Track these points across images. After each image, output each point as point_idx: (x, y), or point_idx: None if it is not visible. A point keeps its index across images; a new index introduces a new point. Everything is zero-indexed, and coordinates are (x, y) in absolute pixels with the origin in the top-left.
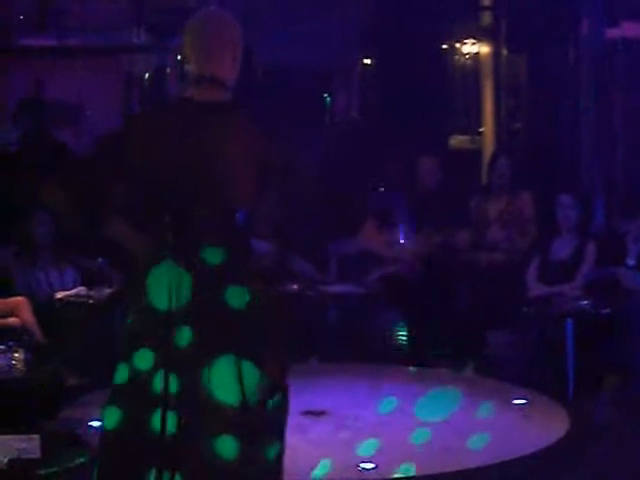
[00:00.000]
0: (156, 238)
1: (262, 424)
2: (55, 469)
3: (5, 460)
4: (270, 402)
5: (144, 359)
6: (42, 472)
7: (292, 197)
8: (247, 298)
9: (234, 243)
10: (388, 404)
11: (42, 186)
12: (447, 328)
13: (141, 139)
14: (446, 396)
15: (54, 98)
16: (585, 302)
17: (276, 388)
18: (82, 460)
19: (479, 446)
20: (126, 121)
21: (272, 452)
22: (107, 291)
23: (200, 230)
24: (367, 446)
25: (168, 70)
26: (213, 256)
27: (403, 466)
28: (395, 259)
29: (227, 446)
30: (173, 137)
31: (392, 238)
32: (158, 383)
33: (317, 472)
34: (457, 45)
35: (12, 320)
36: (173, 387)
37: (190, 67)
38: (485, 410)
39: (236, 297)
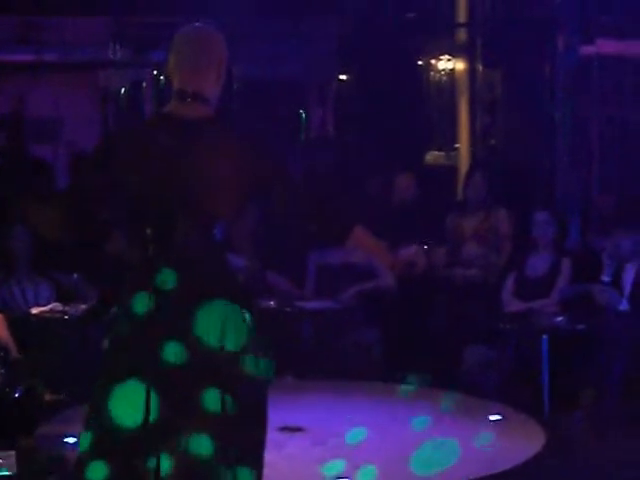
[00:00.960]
0: (138, 251)
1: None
2: None
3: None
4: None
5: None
6: None
7: (282, 204)
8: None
9: (213, 257)
10: (364, 421)
11: (22, 202)
12: (423, 344)
13: (122, 155)
14: (421, 412)
15: (32, 113)
16: (560, 318)
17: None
18: (58, 477)
19: (454, 462)
20: (105, 138)
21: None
22: (82, 307)
23: (181, 243)
24: (343, 462)
25: (144, 85)
26: (192, 272)
27: None
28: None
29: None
30: (155, 152)
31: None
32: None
33: None
34: (433, 61)
35: None
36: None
37: (174, 82)
38: (462, 428)
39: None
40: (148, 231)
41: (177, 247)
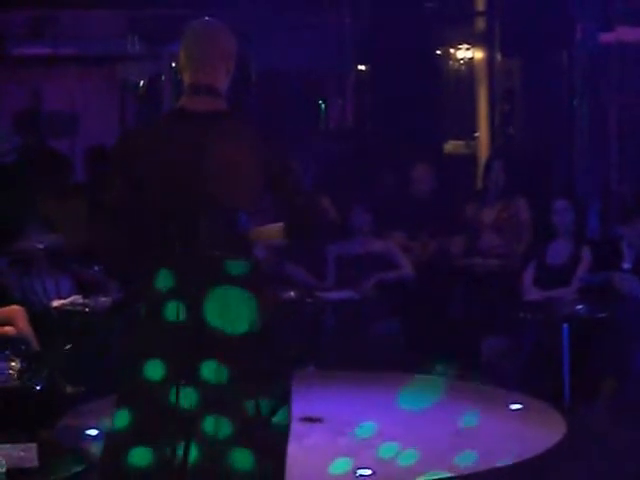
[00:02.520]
0: (162, 247)
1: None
2: (52, 478)
3: (2, 470)
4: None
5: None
6: None
7: (279, 204)
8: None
9: (239, 249)
10: (384, 411)
11: (41, 197)
12: (443, 334)
13: (140, 152)
14: (443, 403)
15: (50, 108)
16: (581, 306)
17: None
18: (79, 469)
19: (475, 452)
20: (122, 137)
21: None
22: (102, 300)
23: (206, 238)
24: (364, 453)
25: (163, 78)
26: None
27: (399, 472)
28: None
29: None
30: (172, 148)
31: None
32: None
33: None
34: (451, 50)
35: (7, 329)
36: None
37: (185, 76)
38: (482, 417)
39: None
40: (172, 227)
41: (202, 242)
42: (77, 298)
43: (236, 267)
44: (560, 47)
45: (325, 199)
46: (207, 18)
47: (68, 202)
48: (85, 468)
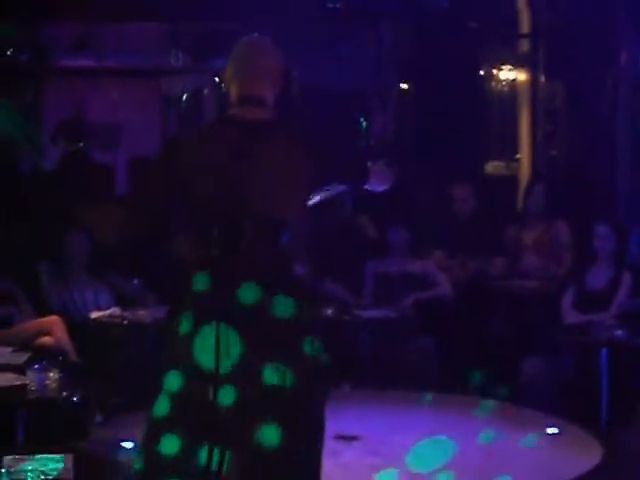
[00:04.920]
0: (203, 252)
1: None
2: None
3: None
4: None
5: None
6: None
7: None
8: (293, 310)
9: (280, 260)
10: (421, 431)
11: (82, 207)
12: (481, 354)
13: (185, 157)
14: (479, 424)
15: (93, 119)
16: (620, 332)
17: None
18: None
19: (510, 475)
20: (168, 141)
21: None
22: (141, 312)
23: (247, 248)
24: (399, 473)
25: (205, 92)
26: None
27: None
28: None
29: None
30: (218, 154)
31: None
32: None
33: None
34: (494, 71)
35: (46, 340)
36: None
37: (232, 89)
38: (519, 439)
39: (282, 307)
40: (214, 234)
41: (243, 251)
42: (116, 310)
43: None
44: (604, 69)
45: (364, 217)
46: (255, 35)
47: (107, 212)
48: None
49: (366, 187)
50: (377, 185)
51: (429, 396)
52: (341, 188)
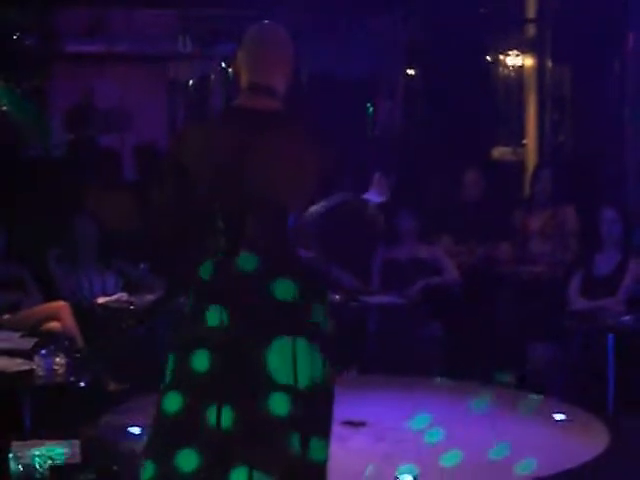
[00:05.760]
0: (209, 243)
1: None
2: (94, 475)
3: (46, 465)
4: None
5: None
6: (82, 478)
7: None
8: (295, 291)
9: (285, 250)
10: (428, 417)
11: (90, 192)
12: (488, 341)
13: (194, 148)
14: (486, 410)
15: (100, 104)
16: (627, 317)
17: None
18: (121, 466)
19: (517, 461)
20: (178, 134)
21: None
22: (148, 297)
23: (251, 237)
24: (406, 458)
25: (212, 77)
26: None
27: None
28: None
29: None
30: (225, 144)
31: None
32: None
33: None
34: (501, 57)
35: (53, 325)
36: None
37: (242, 77)
38: (526, 425)
39: (284, 289)
40: (220, 224)
41: (248, 240)
42: (122, 295)
43: (283, 290)
44: (611, 54)
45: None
46: (267, 21)
47: (115, 198)
48: (127, 465)
49: (365, 197)
50: (376, 196)
51: (437, 382)
52: (341, 197)
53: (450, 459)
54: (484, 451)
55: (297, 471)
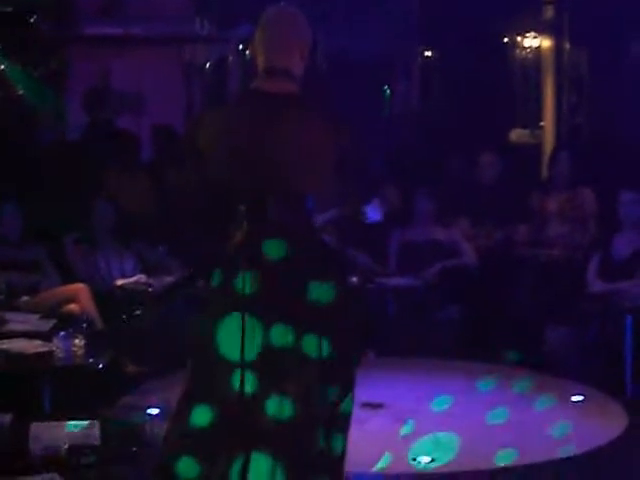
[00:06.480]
0: (231, 228)
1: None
2: (113, 456)
3: (65, 446)
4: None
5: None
6: (100, 459)
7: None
8: (333, 293)
9: (305, 233)
10: (446, 399)
11: (107, 174)
12: (505, 323)
13: (212, 132)
14: (504, 393)
15: (117, 86)
16: None
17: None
18: (139, 447)
19: (535, 442)
20: (196, 117)
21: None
22: (167, 279)
23: (273, 220)
24: (424, 440)
25: (230, 60)
26: (285, 250)
27: (457, 460)
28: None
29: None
30: (243, 128)
31: None
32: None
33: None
34: (519, 39)
35: (72, 307)
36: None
37: (259, 59)
38: (543, 406)
39: (320, 292)
40: (242, 208)
41: (270, 223)
42: (141, 277)
43: (320, 292)
44: (629, 35)
45: (390, 188)
46: (284, 4)
47: (134, 179)
48: (145, 447)
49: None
50: (375, 213)
51: (454, 364)
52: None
53: (466, 442)
54: (498, 433)
55: (319, 463)
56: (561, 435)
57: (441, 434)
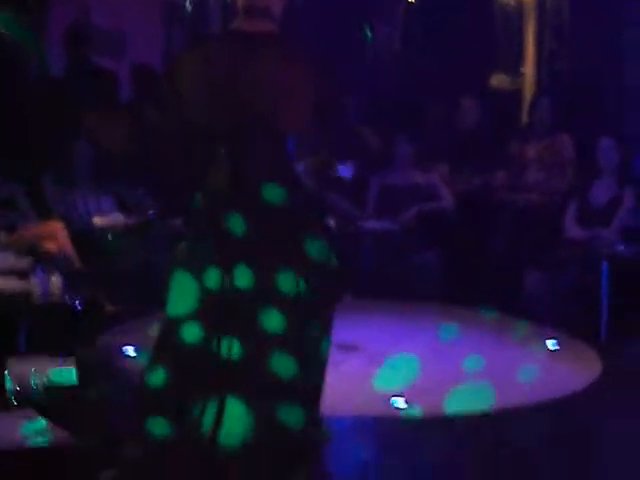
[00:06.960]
0: (212, 168)
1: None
2: (90, 395)
3: (42, 383)
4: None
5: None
6: (77, 397)
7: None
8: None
9: (286, 174)
10: (420, 341)
11: (86, 115)
12: (482, 268)
13: (191, 73)
14: (479, 336)
15: (96, 25)
16: (622, 247)
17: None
18: (116, 386)
19: (509, 388)
20: (175, 58)
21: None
22: (143, 218)
23: (255, 161)
24: (399, 381)
25: (211, 0)
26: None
27: (432, 403)
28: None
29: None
30: (221, 67)
31: None
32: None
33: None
34: None
35: (49, 245)
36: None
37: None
38: (517, 352)
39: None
40: (222, 150)
41: (250, 163)
42: (118, 216)
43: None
44: None
45: (367, 129)
46: None
47: (113, 120)
48: (122, 386)
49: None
50: (347, 170)
51: (430, 307)
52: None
53: (441, 385)
54: (470, 378)
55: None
56: (535, 380)
57: (414, 377)
